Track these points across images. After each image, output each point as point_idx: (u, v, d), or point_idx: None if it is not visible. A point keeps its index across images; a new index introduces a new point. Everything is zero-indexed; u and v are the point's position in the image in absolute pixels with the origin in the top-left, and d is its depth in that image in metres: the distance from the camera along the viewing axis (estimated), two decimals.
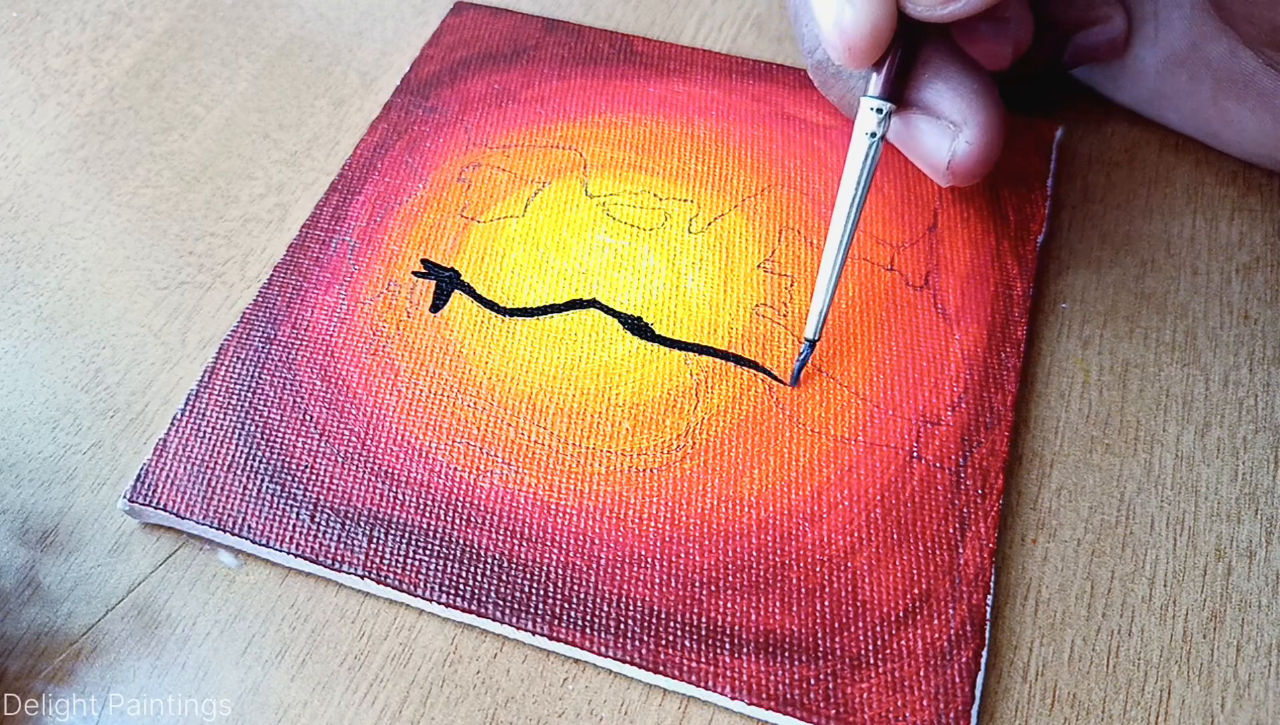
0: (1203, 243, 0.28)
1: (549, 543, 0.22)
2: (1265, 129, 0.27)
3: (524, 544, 0.22)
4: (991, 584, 0.21)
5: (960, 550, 0.22)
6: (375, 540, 0.22)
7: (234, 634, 0.22)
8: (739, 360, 0.25)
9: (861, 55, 0.22)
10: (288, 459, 0.23)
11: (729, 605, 0.21)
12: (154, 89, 0.32)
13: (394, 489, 0.23)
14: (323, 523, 0.22)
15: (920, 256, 0.27)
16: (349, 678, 0.21)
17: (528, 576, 0.22)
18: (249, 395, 0.24)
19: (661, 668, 0.20)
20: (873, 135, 0.23)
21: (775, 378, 0.24)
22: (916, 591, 0.21)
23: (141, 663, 0.21)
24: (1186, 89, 0.28)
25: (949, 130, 0.23)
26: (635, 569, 0.22)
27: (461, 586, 0.21)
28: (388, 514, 0.22)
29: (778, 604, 0.21)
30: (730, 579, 0.21)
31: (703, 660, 0.21)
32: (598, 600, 0.21)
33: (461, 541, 0.22)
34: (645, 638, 0.21)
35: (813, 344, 0.24)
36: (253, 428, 0.23)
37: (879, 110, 0.23)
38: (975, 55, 0.26)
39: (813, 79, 0.27)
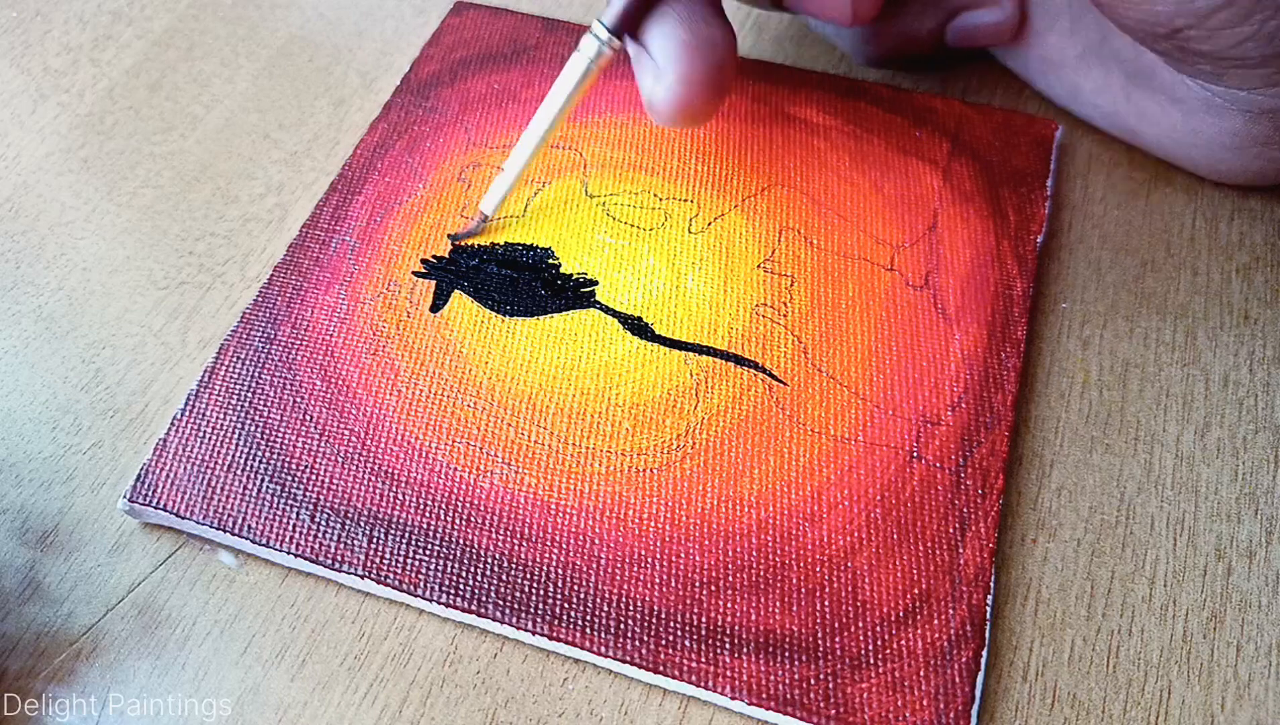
0: (1203, 243, 0.28)
1: (549, 543, 0.22)
2: (1174, 123, 0.27)
3: (524, 544, 0.22)
4: (991, 584, 0.21)
5: (960, 550, 0.22)
6: (375, 540, 0.22)
7: (234, 634, 0.22)
8: (739, 360, 0.25)
9: None
10: (288, 459, 0.23)
11: (729, 605, 0.21)
12: (154, 89, 0.32)
13: (394, 489, 0.23)
14: (323, 523, 0.22)
15: (920, 256, 0.27)
16: (349, 678, 0.21)
17: (528, 576, 0.21)
18: (249, 395, 0.24)
19: (661, 668, 0.20)
20: (590, 60, 0.25)
21: (775, 378, 0.24)
22: (916, 591, 0.21)
23: (141, 663, 0.21)
24: (1101, 83, 0.28)
25: (654, 72, 0.24)
26: (635, 569, 0.22)
27: (461, 586, 0.21)
28: (388, 514, 0.22)
29: (778, 604, 0.21)
30: (730, 579, 0.21)
31: (703, 660, 0.21)
32: (598, 600, 0.21)
33: (461, 541, 0.22)
34: (645, 638, 0.21)
35: (485, 218, 0.26)
36: (253, 428, 0.23)
37: (600, 39, 0.25)
38: (816, 6, 0.27)
39: None
